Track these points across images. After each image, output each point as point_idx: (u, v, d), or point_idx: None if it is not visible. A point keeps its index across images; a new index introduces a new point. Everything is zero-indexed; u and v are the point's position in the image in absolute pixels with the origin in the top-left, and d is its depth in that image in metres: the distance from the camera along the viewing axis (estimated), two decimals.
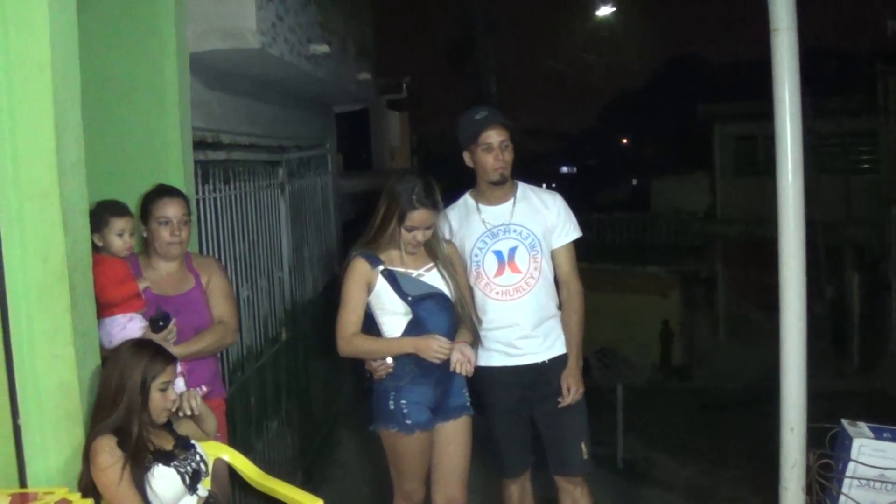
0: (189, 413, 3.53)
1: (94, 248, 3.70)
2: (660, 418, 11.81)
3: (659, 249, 22.34)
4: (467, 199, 4.60)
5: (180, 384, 3.77)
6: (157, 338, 3.75)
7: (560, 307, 4.56)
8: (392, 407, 4.16)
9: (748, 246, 16.86)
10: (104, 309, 3.69)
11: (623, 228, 24.38)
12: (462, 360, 4.03)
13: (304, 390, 8.00)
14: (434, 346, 4.00)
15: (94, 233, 3.77)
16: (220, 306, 4.30)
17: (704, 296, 20.07)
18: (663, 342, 19.18)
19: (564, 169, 39.58)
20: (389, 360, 4.13)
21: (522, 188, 4.59)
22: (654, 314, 18.36)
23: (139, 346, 3.43)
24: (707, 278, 20.26)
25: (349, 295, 4.17)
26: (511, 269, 4.43)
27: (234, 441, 4.33)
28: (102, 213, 3.85)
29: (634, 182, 34.29)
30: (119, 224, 3.87)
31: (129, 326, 3.76)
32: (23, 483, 3.31)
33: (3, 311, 3.26)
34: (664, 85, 33.29)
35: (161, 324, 3.85)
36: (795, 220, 3.52)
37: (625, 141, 38.60)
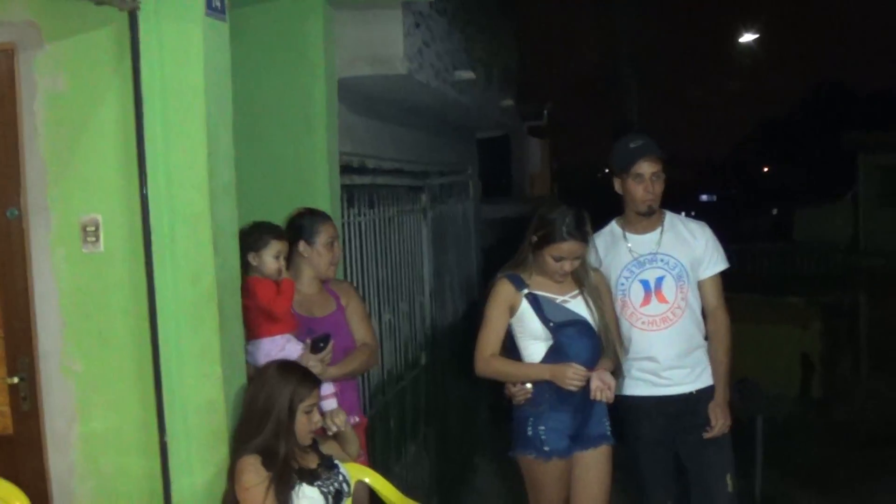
0: (334, 430, 3.56)
1: (245, 267, 3.78)
2: (799, 453, 11.38)
3: (799, 280, 21.71)
4: (614, 226, 4.53)
5: (332, 404, 3.81)
6: (314, 358, 3.79)
7: (707, 338, 4.46)
8: (530, 433, 4.11)
9: (892, 278, 16.29)
10: (260, 328, 3.76)
11: (763, 258, 23.82)
12: (602, 387, 3.97)
13: (442, 415, 7.99)
14: (569, 374, 3.94)
15: (250, 252, 3.84)
16: (362, 329, 4.34)
17: (846, 328, 19.40)
18: (803, 375, 18.63)
19: (704, 197, 38.87)
20: (529, 385, 4.08)
21: (670, 217, 4.51)
22: (794, 345, 17.86)
23: (287, 368, 3.47)
24: (849, 310, 19.59)
25: (491, 315, 4.17)
26: (658, 298, 4.36)
27: (374, 463, 4.34)
28: (263, 234, 3.90)
29: (775, 212, 33.48)
30: (278, 246, 3.91)
31: (287, 347, 3.81)
32: (168, 499, 3.39)
33: (154, 331, 3.35)
34: (806, 113, 32.55)
35: (321, 344, 3.87)
36: None
37: (766, 170, 37.78)
